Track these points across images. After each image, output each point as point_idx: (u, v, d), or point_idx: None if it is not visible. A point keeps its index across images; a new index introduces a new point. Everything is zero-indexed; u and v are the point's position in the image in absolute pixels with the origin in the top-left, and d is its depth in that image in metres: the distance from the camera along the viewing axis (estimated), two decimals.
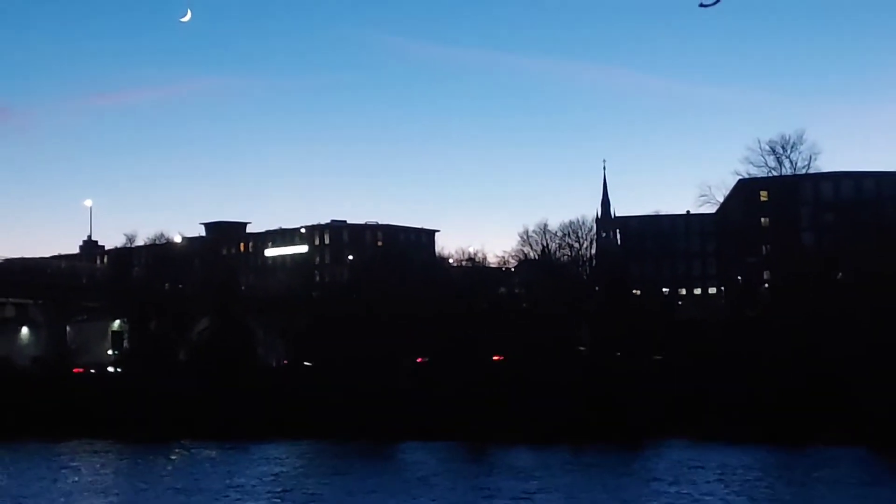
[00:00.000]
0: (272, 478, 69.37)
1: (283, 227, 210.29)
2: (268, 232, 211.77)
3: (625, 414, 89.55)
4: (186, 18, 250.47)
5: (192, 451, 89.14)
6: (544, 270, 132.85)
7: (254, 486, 65.50)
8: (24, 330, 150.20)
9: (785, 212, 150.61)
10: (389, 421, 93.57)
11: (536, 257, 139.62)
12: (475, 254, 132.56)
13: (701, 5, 12.46)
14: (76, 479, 71.82)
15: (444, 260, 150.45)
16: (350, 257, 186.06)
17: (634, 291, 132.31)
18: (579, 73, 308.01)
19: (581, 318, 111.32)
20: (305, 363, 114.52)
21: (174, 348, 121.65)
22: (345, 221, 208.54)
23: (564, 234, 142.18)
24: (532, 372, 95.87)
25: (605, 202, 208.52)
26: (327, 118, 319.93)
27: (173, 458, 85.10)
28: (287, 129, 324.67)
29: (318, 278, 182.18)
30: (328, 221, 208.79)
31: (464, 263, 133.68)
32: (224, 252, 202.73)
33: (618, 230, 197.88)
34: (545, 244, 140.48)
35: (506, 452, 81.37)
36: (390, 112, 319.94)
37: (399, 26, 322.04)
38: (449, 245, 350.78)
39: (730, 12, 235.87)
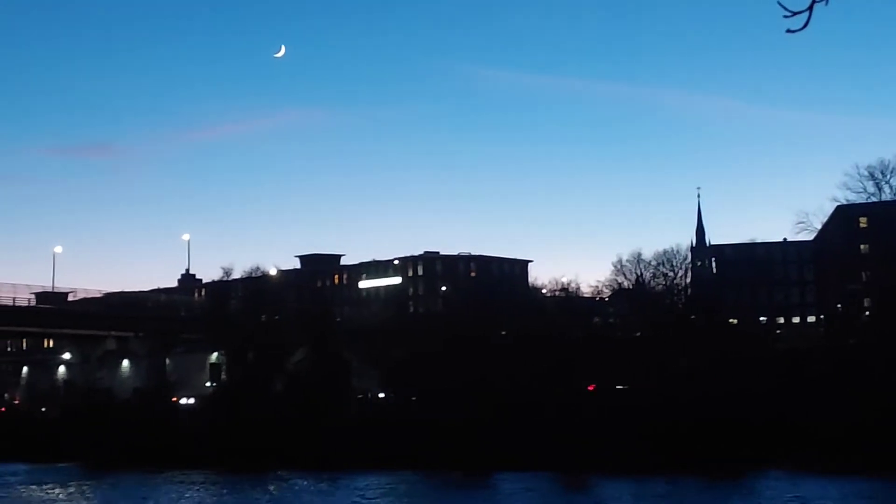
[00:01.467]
0: None
1: (377, 258, 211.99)
2: (361, 264, 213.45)
3: (723, 444, 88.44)
4: (280, 54, 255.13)
5: (290, 481, 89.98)
6: (638, 300, 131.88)
7: None
8: (125, 362, 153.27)
9: (885, 238, 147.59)
10: (482, 451, 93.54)
11: (630, 287, 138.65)
12: (568, 284, 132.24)
13: (788, 31, 12.45)
14: None
15: (537, 290, 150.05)
16: (443, 288, 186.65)
17: (731, 320, 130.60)
18: (673, 100, 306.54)
19: (677, 347, 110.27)
20: (400, 394, 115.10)
21: (271, 379, 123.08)
22: (438, 252, 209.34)
23: (659, 264, 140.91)
24: (626, 401, 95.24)
25: (700, 230, 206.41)
26: (420, 149, 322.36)
27: (271, 488, 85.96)
28: (380, 160, 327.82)
29: (411, 309, 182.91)
30: (421, 253, 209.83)
31: (557, 293, 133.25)
32: (319, 284, 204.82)
33: (713, 258, 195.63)
34: (639, 273, 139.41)
35: (602, 483, 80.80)
36: (483, 143, 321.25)
37: (490, 56, 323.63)
38: (542, 275, 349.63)
39: (824, 37, 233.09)
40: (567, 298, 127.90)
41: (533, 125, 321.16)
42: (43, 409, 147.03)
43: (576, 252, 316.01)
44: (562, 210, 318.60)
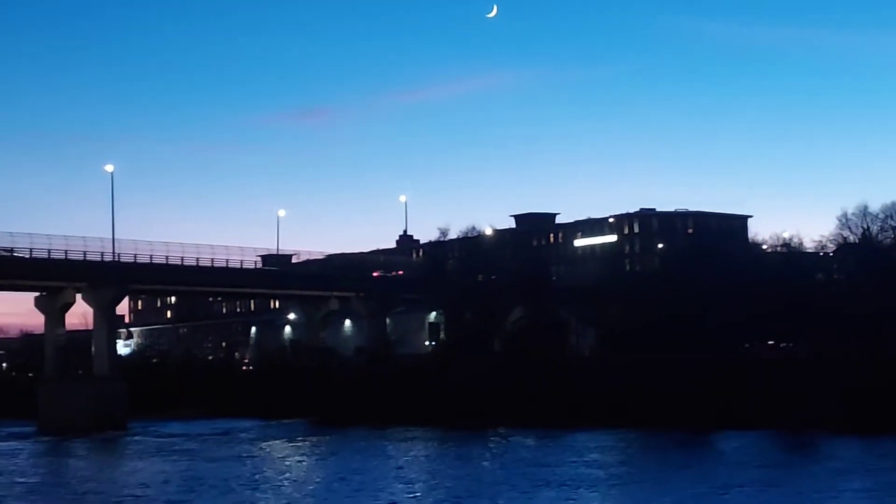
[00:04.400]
0: (587, 466, 69.67)
1: (592, 216, 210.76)
2: (577, 222, 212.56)
3: None
4: (492, 14, 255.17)
5: (509, 438, 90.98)
6: (865, 255, 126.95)
7: (568, 472, 65.92)
8: (347, 322, 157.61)
9: None
10: (703, 409, 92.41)
11: (857, 241, 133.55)
12: (790, 239, 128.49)
13: None
14: (400, 464, 74.55)
15: (757, 246, 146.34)
16: (660, 246, 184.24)
17: None
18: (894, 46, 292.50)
19: None
20: (617, 352, 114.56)
21: (488, 338, 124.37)
22: (654, 209, 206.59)
23: (886, 216, 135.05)
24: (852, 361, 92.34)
25: None
26: (634, 105, 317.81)
27: (490, 444, 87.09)
28: (594, 117, 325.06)
29: (627, 267, 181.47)
30: (637, 210, 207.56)
31: (778, 249, 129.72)
32: (534, 243, 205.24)
33: None
34: (865, 227, 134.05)
35: (828, 441, 78.92)
36: (698, 96, 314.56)
37: (698, 8, 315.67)
38: (762, 230, 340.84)
39: None
40: (789, 254, 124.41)
41: (745, 77, 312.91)
42: (256, 368, 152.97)
43: (798, 206, 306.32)
44: (782, 162, 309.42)
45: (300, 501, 57.43)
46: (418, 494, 58.62)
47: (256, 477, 68.32)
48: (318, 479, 67.08)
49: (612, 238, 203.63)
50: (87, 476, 73.83)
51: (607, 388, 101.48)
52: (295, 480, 66.63)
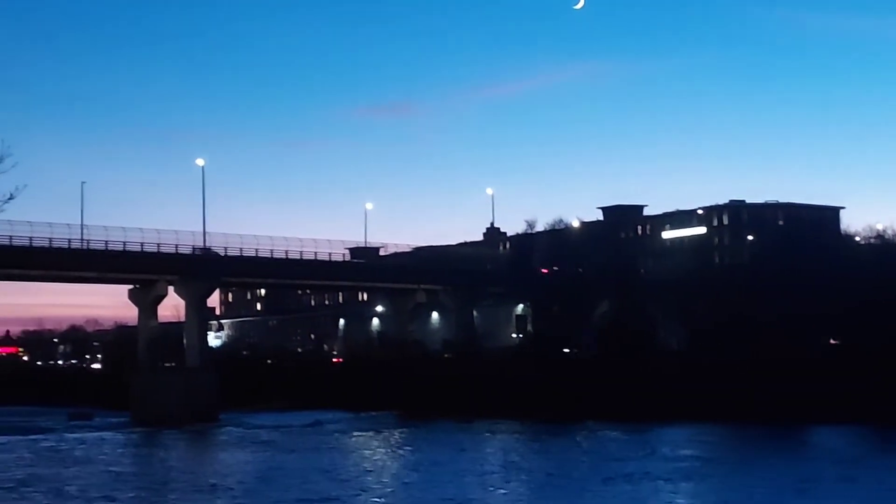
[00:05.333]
0: (673, 460, 69.20)
1: (680, 208, 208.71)
2: (664, 214, 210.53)
3: None
4: (580, 5, 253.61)
5: (597, 432, 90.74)
6: None
7: (653, 466, 65.57)
8: (435, 314, 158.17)
9: None
10: (798, 403, 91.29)
11: None
12: (884, 230, 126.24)
13: None
14: (486, 457, 74.78)
15: (850, 238, 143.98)
16: (750, 238, 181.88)
17: None
18: None
19: None
20: (705, 346, 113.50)
21: (575, 331, 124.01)
22: (743, 201, 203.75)
23: None
24: None
25: None
26: (723, 95, 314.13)
27: (578, 438, 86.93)
28: (682, 108, 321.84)
29: (716, 260, 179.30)
30: (726, 202, 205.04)
31: (872, 241, 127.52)
32: (621, 235, 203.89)
33: None
34: None
35: None
36: (787, 86, 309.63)
37: None
38: (855, 222, 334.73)
39: None
40: (883, 246, 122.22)
41: (838, 66, 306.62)
42: (344, 360, 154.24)
43: (892, 196, 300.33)
44: (875, 152, 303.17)
45: (385, 493, 57.90)
46: (504, 487, 58.79)
47: (343, 468, 69.08)
48: (404, 471, 67.65)
49: (701, 230, 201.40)
50: (175, 466, 75.54)
51: (695, 382, 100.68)
52: (381, 472, 67.23)
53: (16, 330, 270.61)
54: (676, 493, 55.69)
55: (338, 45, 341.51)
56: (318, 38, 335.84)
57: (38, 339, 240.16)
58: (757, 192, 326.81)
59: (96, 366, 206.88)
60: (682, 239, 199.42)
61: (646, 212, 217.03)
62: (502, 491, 57.38)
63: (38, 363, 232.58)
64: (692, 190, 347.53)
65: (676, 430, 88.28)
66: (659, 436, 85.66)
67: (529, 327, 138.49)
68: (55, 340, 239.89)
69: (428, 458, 74.42)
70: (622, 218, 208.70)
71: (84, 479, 66.45)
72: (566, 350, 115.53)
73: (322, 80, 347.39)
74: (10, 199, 18.21)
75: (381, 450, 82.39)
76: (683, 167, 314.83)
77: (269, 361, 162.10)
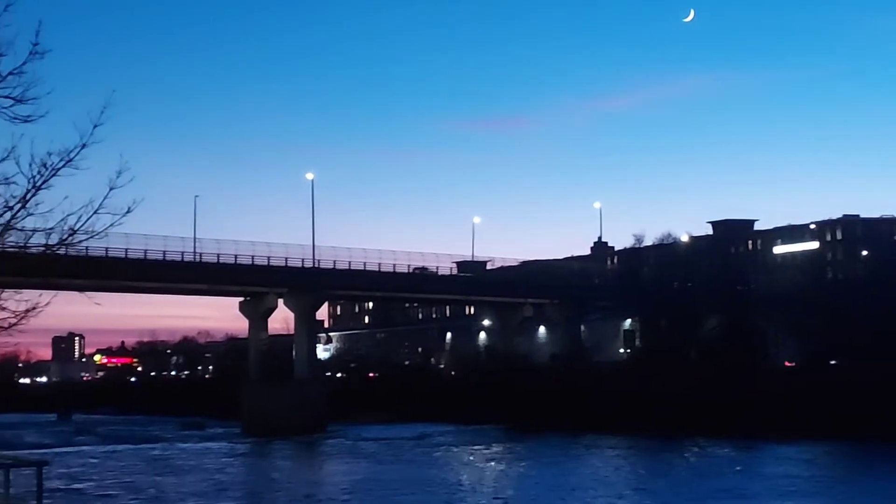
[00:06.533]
0: (786, 478, 67.92)
1: (792, 223, 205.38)
2: (775, 229, 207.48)
3: None
4: (689, 18, 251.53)
5: (706, 448, 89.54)
6: None
7: (765, 484, 64.47)
8: (542, 329, 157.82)
9: None
10: None
11: None
12: None
13: None
14: (595, 471, 74.25)
15: None
16: (864, 253, 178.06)
17: None
18: None
19: None
20: (818, 362, 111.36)
21: (684, 347, 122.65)
22: (858, 215, 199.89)
23: None
24: None
25: None
26: (834, 108, 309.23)
27: (687, 455, 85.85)
28: (793, 121, 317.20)
29: (829, 275, 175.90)
30: (840, 216, 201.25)
31: None
32: (731, 250, 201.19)
33: None
34: None
35: None
36: None
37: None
38: None
39: None
40: None
41: None
42: (452, 373, 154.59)
43: None
44: None
45: None
46: (607, 501, 58.33)
47: (442, 481, 69.13)
48: (511, 485, 67.47)
49: (814, 245, 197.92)
50: (276, 476, 76.54)
51: (807, 399, 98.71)
52: (488, 485, 67.15)
53: (131, 341, 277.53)
54: None
55: (447, 58, 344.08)
56: (426, 51, 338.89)
57: (151, 350, 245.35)
58: (872, 206, 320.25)
59: (208, 377, 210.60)
60: (793, 254, 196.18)
61: (756, 226, 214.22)
62: None
63: (152, 374, 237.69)
64: (805, 204, 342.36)
65: (788, 448, 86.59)
66: (770, 453, 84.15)
67: (637, 342, 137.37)
68: (168, 352, 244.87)
69: (531, 472, 74.22)
70: (732, 232, 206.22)
71: (185, 487, 67.83)
72: (674, 365, 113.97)
73: (431, 94, 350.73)
74: (127, 212, 18.64)
75: (493, 463, 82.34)
76: (795, 181, 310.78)
77: (375, 374, 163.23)
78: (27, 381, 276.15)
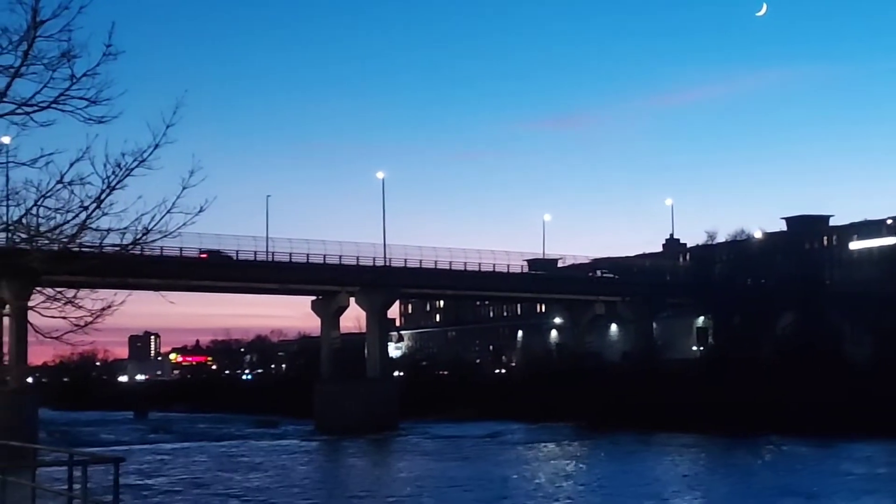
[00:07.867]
0: (862, 478, 66.87)
1: (869, 218, 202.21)
2: (852, 224, 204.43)
3: None
4: (762, 13, 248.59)
5: (781, 447, 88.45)
6: None
7: (843, 483, 63.48)
8: (613, 326, 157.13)
9: None
10: None
11: None
12: None
13: None
14: (669, 470, 73.72)
15: None
16: None
17: None
18: None
19: None
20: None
21: (758, 344, 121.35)
22: None
23: None
24: None
25: None
26: None
27: (762, 452, 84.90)
28: (868, 115, 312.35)
29: None
30: None
31: None
32: (806, 246, 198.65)
33: None
34: None
35: None
36: None
37: None
38: None
39: None
40: None
41: None
42: (533, 371, 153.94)
43: None
44: None
45: None
46: (679, 500, 57.83)
47: (511, 479, 68.96)
48: (584, 483, 67.16)
49: (891, 240, 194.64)
50: (342, 473, 77.17)
51: (887, 396, 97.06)
52: (560, 484, 66.91)
53: (205, 340, 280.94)
54: None
55: (515, 59, 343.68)
56: (495, 53, 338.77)
57: (225, 349, 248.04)
58: None
59: (281, 375, 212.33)
60: (870, 249, 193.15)
61: (832, 222, 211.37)
62: None
63: (226, 372, 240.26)
64: (881, 199, 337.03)
65: (866, 446, 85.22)
66: (850, 451, 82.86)
67: (710, 339, 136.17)
68: (241, 350, 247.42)
69: (602, 470, 73.83)
70: (807, 228, 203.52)
71: (250, 483, 68.59)
72: (749, 362, 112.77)
73: (500, 93, 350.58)
74: (199, 211, 18.80)
75: (565, 461, 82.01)
76: (872, 175, 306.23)
77: (445, 372, 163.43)
78: (124, 378, 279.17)
